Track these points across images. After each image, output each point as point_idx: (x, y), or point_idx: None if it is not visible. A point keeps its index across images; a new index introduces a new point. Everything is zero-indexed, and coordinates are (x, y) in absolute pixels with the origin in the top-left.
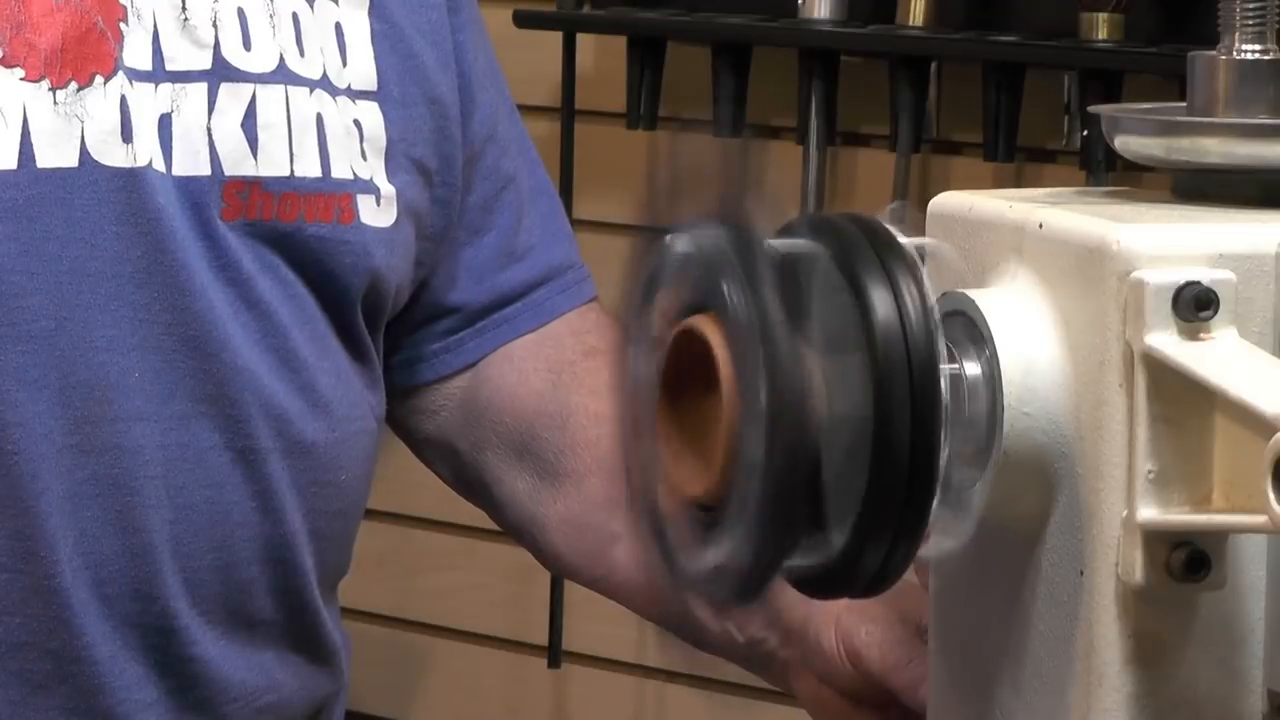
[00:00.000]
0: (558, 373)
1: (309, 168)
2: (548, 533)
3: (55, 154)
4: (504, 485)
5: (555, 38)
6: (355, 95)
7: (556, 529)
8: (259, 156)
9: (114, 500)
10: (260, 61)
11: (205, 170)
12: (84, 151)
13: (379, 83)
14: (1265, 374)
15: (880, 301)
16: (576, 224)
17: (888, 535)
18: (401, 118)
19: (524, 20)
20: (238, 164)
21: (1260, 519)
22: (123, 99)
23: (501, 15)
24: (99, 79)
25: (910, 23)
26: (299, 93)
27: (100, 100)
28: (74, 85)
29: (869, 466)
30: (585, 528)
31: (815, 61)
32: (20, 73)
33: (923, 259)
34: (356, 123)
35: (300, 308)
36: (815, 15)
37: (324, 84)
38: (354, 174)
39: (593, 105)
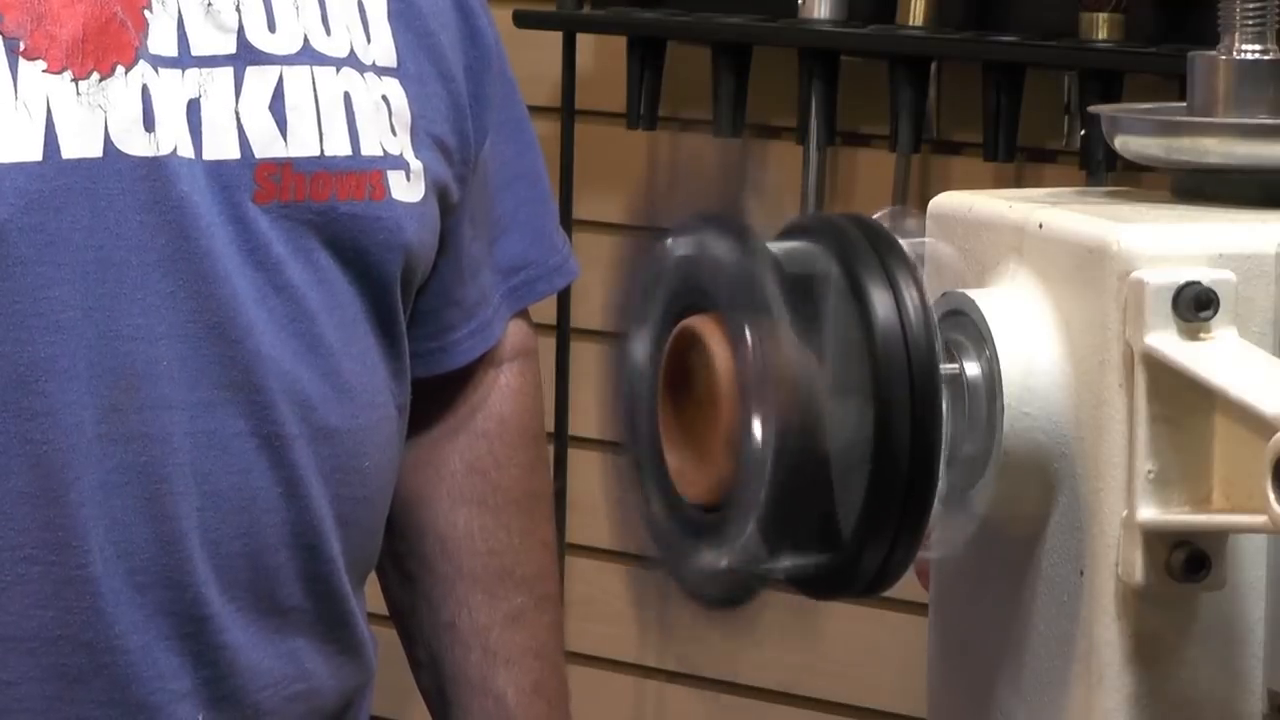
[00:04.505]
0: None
1: (339, 146)
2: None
3: (79, 144)
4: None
5: (555, 38)
6: (380, 72)
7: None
8: (289, 138)
9: (144, 488)
10: (285, 43)
11: (235, 154)
12: (108, 141)
13: (397, 60)
14: (1265, 374)
15: (880, 303)
16: (576, 224)
17: (888, 535)
18: (420, 95)
19: (524, 20)
20: (268, 146)
21: (1260, 519)
22: (144, 88)
23: (501, 15)
24: (120, 69)
25: (910, 23)
26: (325, 72)
27: (122, 90)
28: (96, 75)
29: (869, 467)
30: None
31: (815, 61)
32: (42, 64)
33: (922, 260)
34: (384, 98)
35: (330, 293)
36: (815, 15)
37: (351, 61)
38: (383, 150)
39: (593, 105)
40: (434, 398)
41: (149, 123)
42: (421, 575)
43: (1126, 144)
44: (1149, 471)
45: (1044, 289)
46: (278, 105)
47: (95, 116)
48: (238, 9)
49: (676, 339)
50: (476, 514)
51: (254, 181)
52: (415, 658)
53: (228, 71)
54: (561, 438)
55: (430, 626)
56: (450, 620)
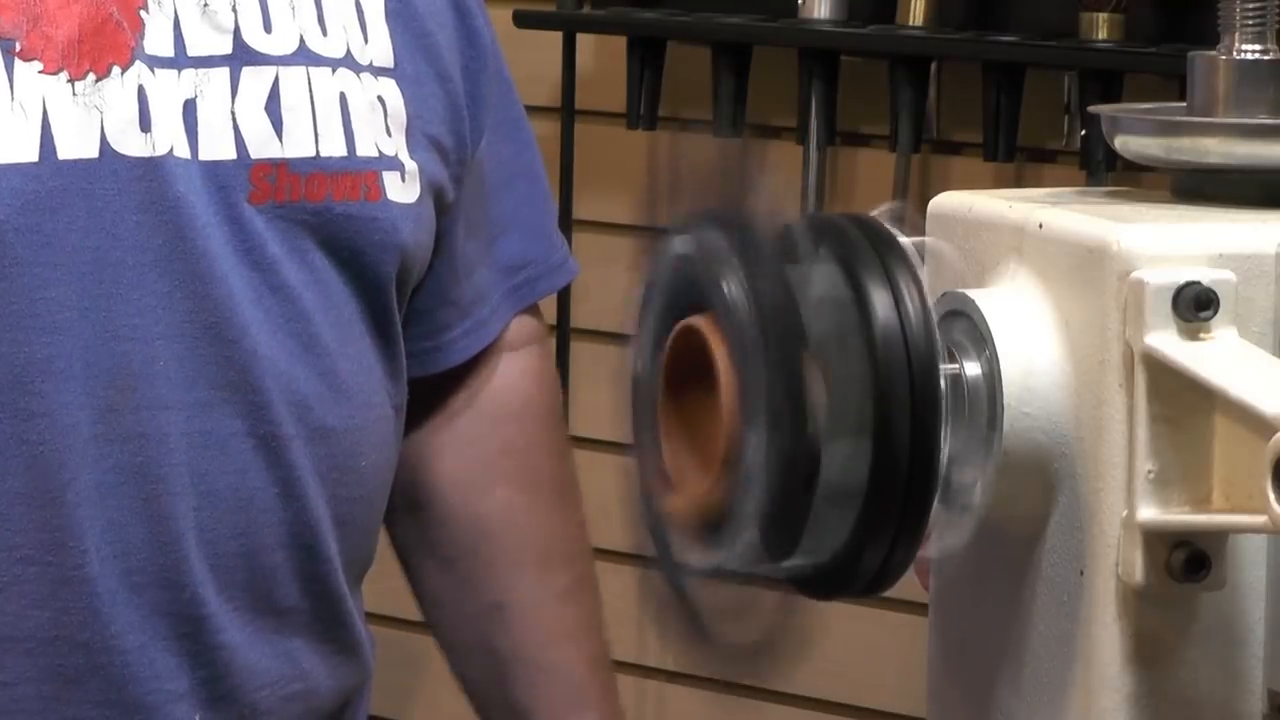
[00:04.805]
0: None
1: (334, 147)
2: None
3: (76, 145)
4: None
5: (555, 38)
6: (376, 72)
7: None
8: (284, 138)
9: (140, 488)
10: (281, 44)
11: (230, 154)
12: (104, 142)
13: (395, 60)
14: (1265, 374)
15: (880, 303)
16: (576, 224)
17: (888, 535)
18: (416, 95)
19: (524, 20)
20: (263, 146)
21: (1260, 519)
22: (140, 89)
23: (501, 15)
24: (116, 70)
25: (910, 23)
26: (321, 73)
27: (118, 90)
28: (92, 76)
29: (869, 467)
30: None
31: (815, 61)
32: (39, 65)
33: (922, 259)
34: (380, 99)
35: (325, 293)
36: (815, 15)
37: (347, 61)
38: (379, 151)
39: (593, 105)
40: (461, 381)
41: (145, 123)
42: (462, 559)
43: (1126, 144)
44: (1149, 471)
45: (1044, 289)
46: (273, 106)
47: (91, 117)
48: (234, 9)
49: (677, 339)
50: (514, 494)
51: (249, 182)
52: (455, 644)
53: (224, 72)
54: None
55: (476, 610)
56: (499, 600)
